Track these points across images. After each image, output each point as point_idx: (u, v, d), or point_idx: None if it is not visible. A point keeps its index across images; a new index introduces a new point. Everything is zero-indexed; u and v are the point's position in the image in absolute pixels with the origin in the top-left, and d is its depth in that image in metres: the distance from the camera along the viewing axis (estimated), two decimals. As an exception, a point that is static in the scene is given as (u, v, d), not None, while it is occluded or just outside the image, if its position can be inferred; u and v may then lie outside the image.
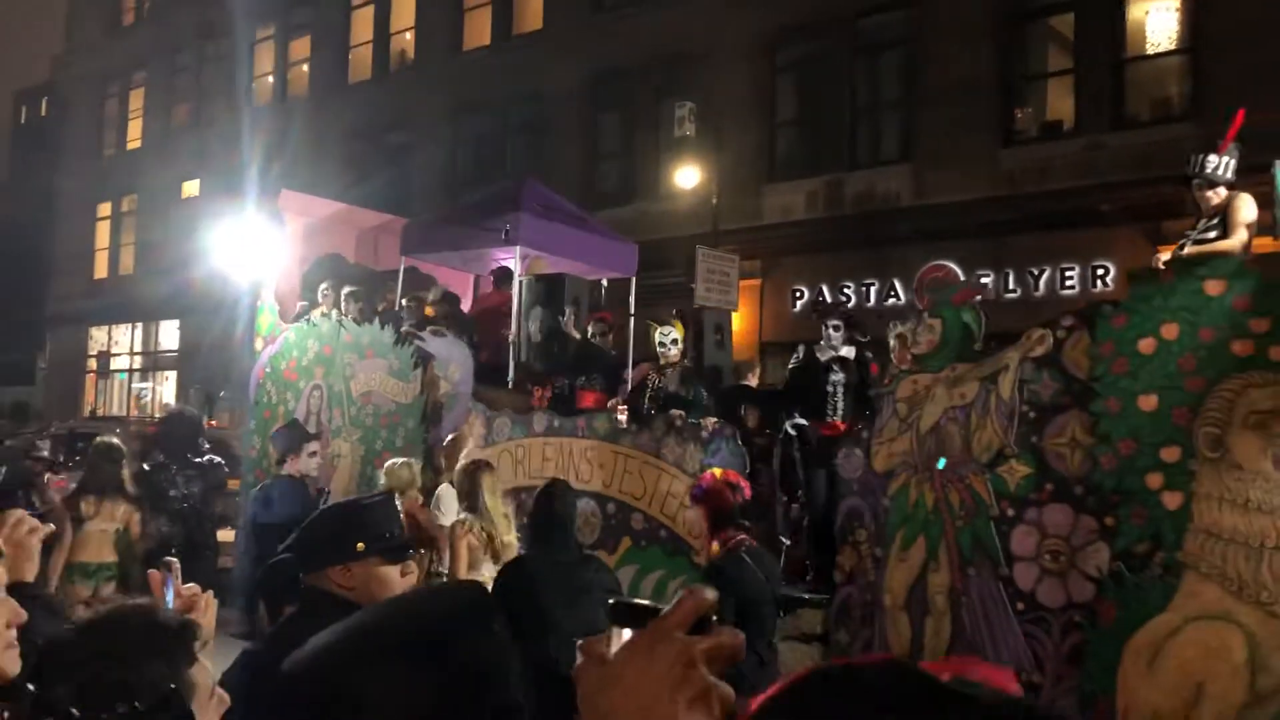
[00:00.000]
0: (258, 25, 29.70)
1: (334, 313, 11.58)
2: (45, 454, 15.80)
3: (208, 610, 2.60)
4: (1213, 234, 6.67)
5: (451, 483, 7.38)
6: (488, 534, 6.25)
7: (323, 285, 11.95)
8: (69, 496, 8.53)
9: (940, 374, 6.86)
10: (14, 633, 2.29)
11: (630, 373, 11.47)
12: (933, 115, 17.32)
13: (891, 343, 8.44)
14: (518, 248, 11.57)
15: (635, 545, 8.36)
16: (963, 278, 16.30)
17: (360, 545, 3.03)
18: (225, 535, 11.74)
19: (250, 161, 24.06)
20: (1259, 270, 5.80)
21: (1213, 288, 5.86)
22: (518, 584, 5.30)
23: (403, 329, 10.64)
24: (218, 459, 10.48)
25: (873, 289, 17.64)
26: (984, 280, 16.30)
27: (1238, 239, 6.52)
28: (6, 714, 2.07)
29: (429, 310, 11.57)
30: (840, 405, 8.82)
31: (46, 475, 12.09)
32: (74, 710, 1.86)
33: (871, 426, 7.21)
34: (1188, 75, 15.52)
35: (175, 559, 2.71)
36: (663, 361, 9.82)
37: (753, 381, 10.84)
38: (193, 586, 2.65)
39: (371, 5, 27.32)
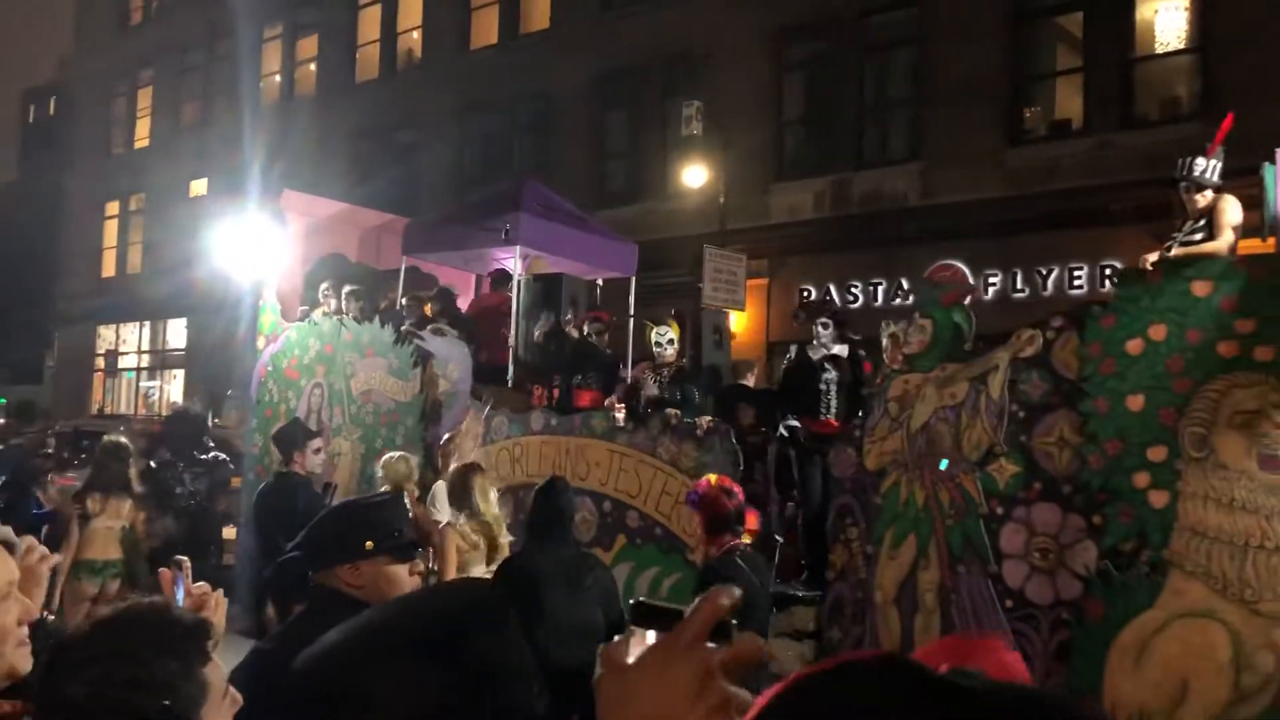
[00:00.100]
0: (265, 24, 29.80)
1: (335, 305, 11.66)
2: (50, 451, 15.91)
3: (218, 609, 2.66)
4: (1199, 236, 6.73)
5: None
6: (480, 535, 6.31)
7: (324, 285, 12.03)
8: (76, 494, 8.62)
9: (931, 374, 6.92)
10: (25, 630, 2.30)
11: (631, 372, 11.53)
12: (940, 114, 17.30)
13: (884, 342, 8.50)
14: (517, 247, 11.64)
15: (630, 543, 8.42)
16: (970, 277, 16.30)
17: (369, 544, 3.04)
18: (228, 533, 11.85)
19: (257, 160, 24.12)
20: (1245, 271, 5.84)
21: (1199, 289, 5.91)
22: (518, 578, 5.35)
23: (403, 328, 10.71)
24: (223, 456, 10.62)
25: (880, 289, 17.61)
26: (992, 280, 16.34)
27: (1224, 241, 6.58)
28: (20, 710, 2.09)
29: (427, 310, 11.64)
30: (834, 403, 8.88)
31: (49, 475, 12.17)
32: (86, 707, 1.85)
33: (864, 425, 7.27)
34: (1196, 75, 15.48)
35: (185, 558, 2.77)
36: (659, 362, 9.89)
37: (750, 381, 10.89)
38: (203, 585, 2.71)
39: (379, 4, 27.36)
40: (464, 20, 25.23)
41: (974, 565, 6.54)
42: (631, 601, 1.18)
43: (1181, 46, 15.89)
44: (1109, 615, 5.98)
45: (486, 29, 24.86)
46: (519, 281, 11.60)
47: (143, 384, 34.05)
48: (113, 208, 34.83)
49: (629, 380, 10.75)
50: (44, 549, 2.56)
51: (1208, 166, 6.79)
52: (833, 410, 8.88)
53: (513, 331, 11.26)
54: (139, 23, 35.05)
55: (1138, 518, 5.95)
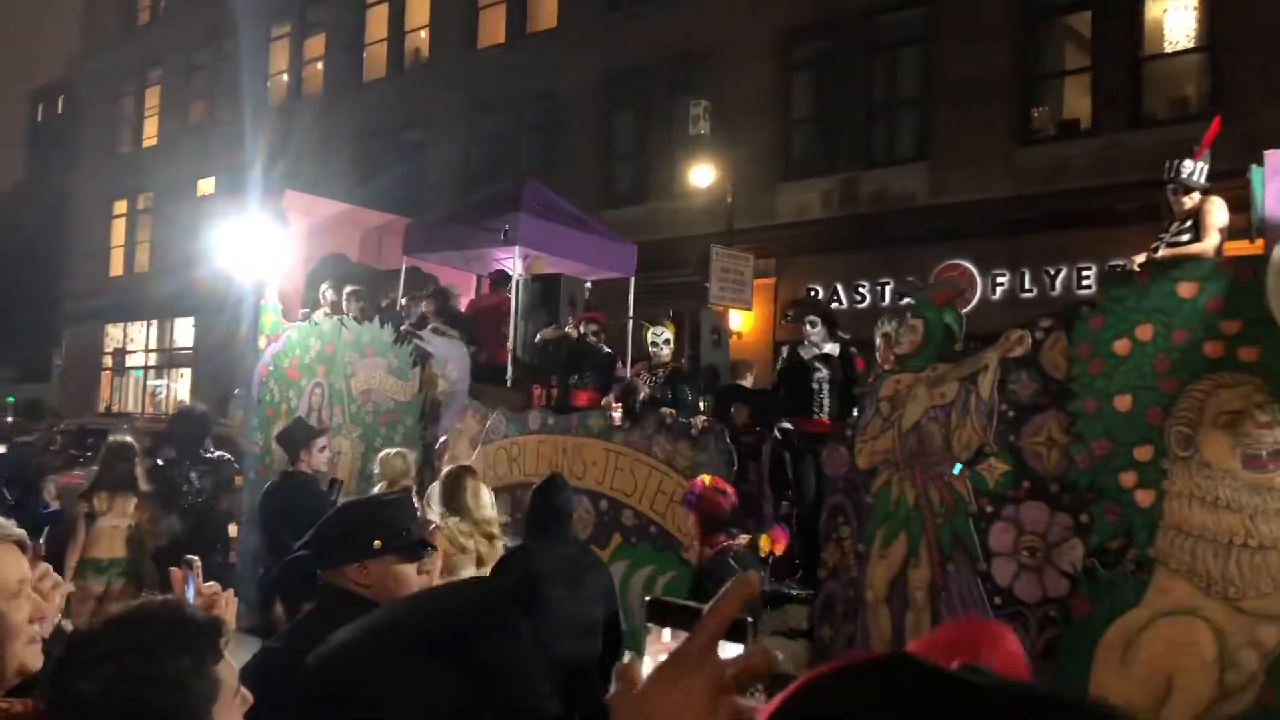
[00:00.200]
0: (273, 23, 29.96)
1: (330, 297, 11.74)
2: (57, 449, 15.99)
3: (229, 608, 2.69)
4: (1186, 237, 6.80)
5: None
6: (470, 538, 6.34)
7: (324, 285, 12.11)
8: (82, 493, 8.69)
9: (922, 374, 6.97)
10: (37, 627, 2.29)
11: (630, 371, 11.59)
12: (949, 114, 17.33)
13: (877, 341, 8.55)
14: (517, 248, 11.71)
15: (626, 541, 8.48)
16: (978, 277, 16.33)
17: (377, 543, 3.05)
18: (232, 531, 11.91)
19: (264, 160, 24.19)
20: (1230, 273, 5.89)
21: (1185, 290, 5.95)
22: (518, 575, 5.40)
23: (402, 328, 10.79)
24: (227, 455, 10.68)
25: (888, 288, 17.62)
26: (1000, 280, 16.36)
27: (1210, 242, 6.65)
28: (32, 708, 2.10)
29: (425, 309, 11.72)
30: (826, 402, 8.93)
31: (49, 476, 12.25)
32: (99, 704, 1.85)
33: (856, 424, 7.33)
34: (1206, 74, 15.49)
35: (196, 557, 2.80)
36: (655, 362, 9.96)
37: (748, 381, 10.95)
38: (213, 585, 2.74)
39: (386, 3, 27.48)
40: (471, 19, 25.32)
41: (963, 563, 6.59)
42: (647, 599, 1.21)
43: (1190, 46, 15.88)
44: (1095, 613, 6.03)
45: (494, 28, 24.94)
46: (518, 282, 11.67)
47: (150, 383, 34.19)
48: (120, 207, 34.99)
49: (627, 380, 10.82)
50: (57, 576, 2.55)
51: (1195, 169, 6.85)
52: (825, 409, 8.93)
53: (511, 332, 11.33)
54: (146, 22, 35.21)
55: (1124, 516, 6.00)
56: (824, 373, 8.94)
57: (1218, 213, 6.75)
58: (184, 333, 32.56)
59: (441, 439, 9.12)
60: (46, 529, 9.44)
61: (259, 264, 12.05)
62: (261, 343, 11.84)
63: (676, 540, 7.99)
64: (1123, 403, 6.09)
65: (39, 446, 14.28)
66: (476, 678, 1.54)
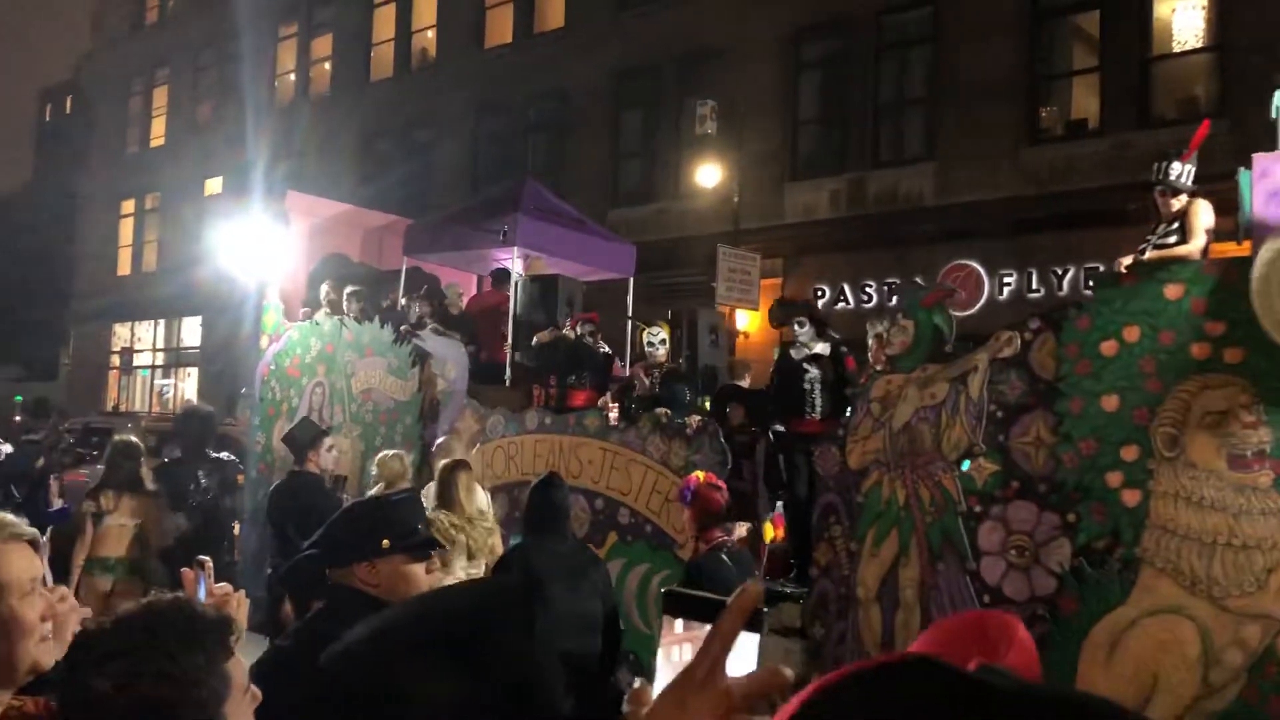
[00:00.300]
0: (280, 23, 30.04)
1: (326, 293, 11.82)
2: (65, 447, 16.08)
3: (240, 608, 2.71)
4: (1173, 239, 6.85)
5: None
6: (459, 532, 6.40)
7: (324, 285, 12.19)
8: (90, 492, 8.75)
9: (912, 374, 7.03)
10: (49, 625, 2.29)
11: (629, 371, 11.65)
12: (956, 113, 17.35)
13: (870, 342, 8.60)
14: (515, 248, 11.78)
15: (621, 540, 8.54)
16: (985, 277, 16.34)
17: (385, 542, 3.07)
18: (237, 529, 12.00)
19: (271, 159, 24.26)
20: (1216, 275, 5.94)
21: (1172, 292, 6.00)
22: (520, 570, 5.46)
23: (402, 328, 10.86)
24: (231, 455, 10.77)
25: (894, 288, 17.56)
26: (1007, 280, 16.36)
27: (1196, 244, 6.70)
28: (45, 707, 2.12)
29: (420, 310, 11.78)
30: (818, 402, 8.98)
31: (55, 474, 12.33)
32: (113, 700, 1.84)
33: (847, 424, 7.38)
34: (1214, 74, 15.47)
35: (208, 558, 2.84)
36: (651, 362, 10.02)
37: (746, 381, 11.03)
38: (225, 586, 2.77)
39: (393, 3, 27.56)
40: (479, 19, 25.37)
41: (953, 562, 6.64)
42: (663, 590, 1.25)
43: (1199, 45, 15.86)
44: (1082, 611, 6.08)
45: (501, 28, 24.99)
46: (516, 282, 11.73)
47: (158, 382, 34.27)
48: (128, 206, 35.09)
49: (624, 380, 10.89)
50: (74, 600, 2.50)
51: (1183, 171, 6.91)
52: (817, 409, 8.98)
53: (510, 332, 11.40)
54: (155, 22, 35.33)
55: (1111, 516, 6.05)
56: (814, 373, 8.99)
57: (1204, 215, 6.81)
58: (191, 332, 32.65)
59: (439, 440, 9.17)
60: (50, 527, 9.50)
61: (261, 264, 12.13)
62: (264, 342, 11.93)
63: (671, 539, 8.07)
64: (1110, 403, 6.14)
65: (45, 445, 14.36)
66: (491, 678, 1.54)
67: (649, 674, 1.26)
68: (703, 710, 1.02)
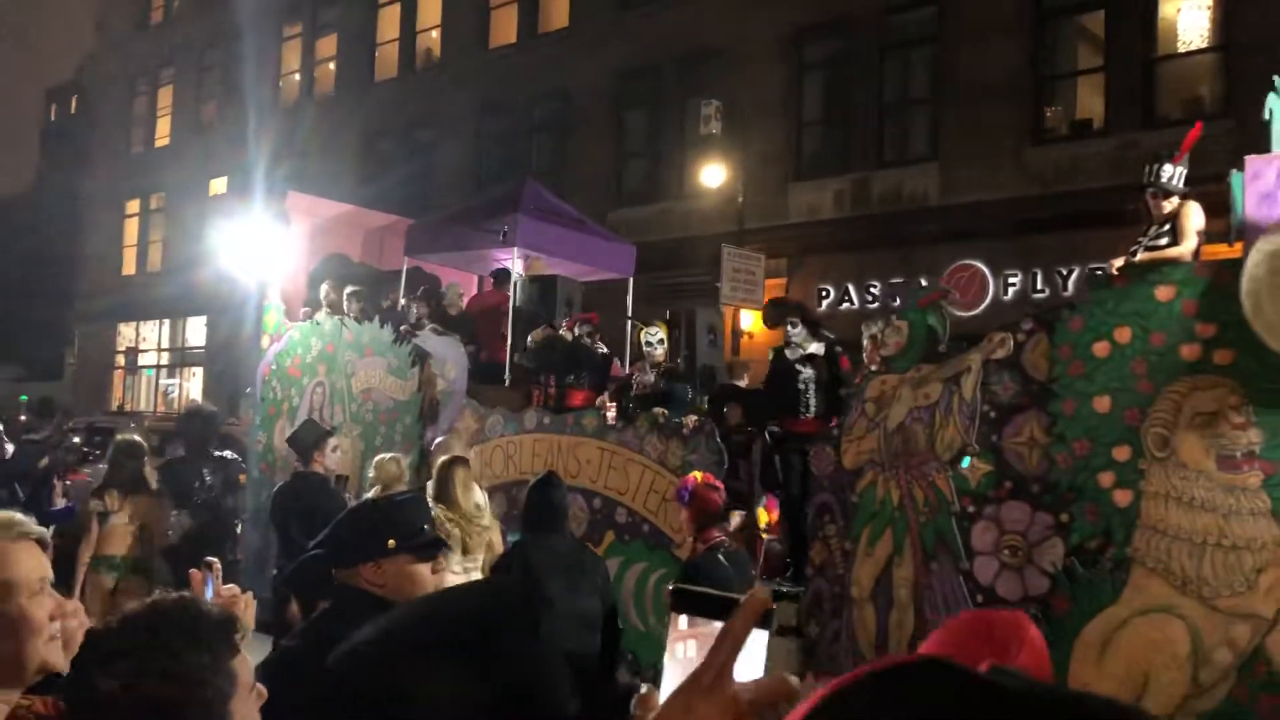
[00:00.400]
0: (285, 24, 30.07)
1: (325, 291, 11.87)
2: (70, 446, 16.14)
3: (247, 609, 2.75)
4: (1164, 241, 6.88)
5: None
6: (455, 527, 6.44)
7: (324, 285, 12.24)
8: (94, 491, 8.81)
9: (907, 375, 7.07)
10: (58, 625, 2.30)
11: (628, 371, 11.69)
12: (961, 113, 17.34)
13: (864, 342, 8.63)
14: (515, 248, 11.83)
15: (619, 539, 8.58)
16: (989, 277, 16.35)
17: (391, 542, 3.06)
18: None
19: (275, 159, 24.30)
20: (1206, 277, 5.97)
21: (1163, 293, 6.03)
22: (519, 569, 5.50)
23: (402, 328, 10.91)
24: (233, 454, 10.84)
25: (899, 289, 17.56)
26: (1012, 280, 16.36)
27: (1187, 246, 6.73)
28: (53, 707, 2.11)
29: (418, 311, 11.83)
30: (812, 402, 9.02)
31: (59, 473, 12.40)
32: (120, 700, 1.84)
33: (842, 424, 7.42)
34: (1219, 74, 15.46)
35: (215, 559, 2.87)
36: (649, 361, 10.06)
37: (744, 381, 11.07)
38: (232, 587, 2.81)
39: (398, 3, 27.58)
40: (483, 19, 25.40)
41: (946, 562, 6.67)
42: (670, 586, 1.28)
43: (1204, 45, 15.85)
44: (1074, 610, 6.11)
45: (505, 28, 25.01)
46: (516, 283, 11.78)
47: (163, 381, 34.33)
48: (133, 206, 35.16)
49: (622, 380, 10.93)
50: (84, 616, 2.47)
51: (1174, 173, 6.94)
52: (811, 409, 9.02)
53: (509, 332, 11.44)
54: (160, 22, 35.38)
55: (1103, 516, 6.08)
56: (809, 373, 9.03)
57: (1196, 217, 6.85)
58: (195, 332, 32.71)
59: (437, 440, 9.22)
60: (53, 526, 9.54)
61: (263, 264, 12.19)
62: (265, 342, 11.99)
63: (668, 538, 8.11)
64: (1102, 404, 6.17)
65: (49, 444, 14.42)
66: (498, 679, 1.54)
67: (647, 673, 1.28)
68: (710, 716, 1.02)
